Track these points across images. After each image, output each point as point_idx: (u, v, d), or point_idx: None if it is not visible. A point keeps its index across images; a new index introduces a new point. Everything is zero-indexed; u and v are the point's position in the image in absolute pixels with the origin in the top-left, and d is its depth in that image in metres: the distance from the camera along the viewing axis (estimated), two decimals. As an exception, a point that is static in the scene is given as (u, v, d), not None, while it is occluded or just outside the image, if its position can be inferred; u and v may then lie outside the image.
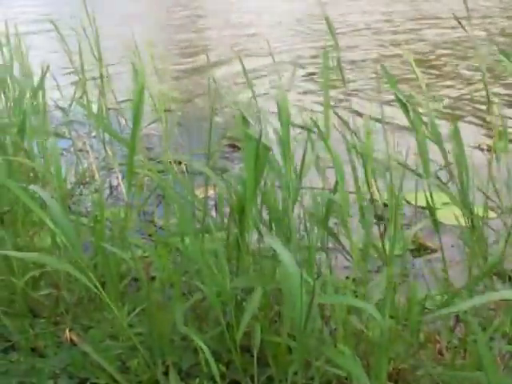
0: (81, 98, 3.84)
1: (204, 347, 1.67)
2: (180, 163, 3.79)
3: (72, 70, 3.97)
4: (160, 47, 4.71)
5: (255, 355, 1.75)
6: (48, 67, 3.30)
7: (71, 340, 2.00)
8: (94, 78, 4.07)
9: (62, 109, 3.87)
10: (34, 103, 3.25)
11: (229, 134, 3.84)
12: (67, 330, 2.02)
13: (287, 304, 1.63)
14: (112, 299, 2.04)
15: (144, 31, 7.97)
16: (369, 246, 1.84)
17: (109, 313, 2.16)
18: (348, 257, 2.57)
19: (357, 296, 1.89)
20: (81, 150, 3.68)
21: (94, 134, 3.97)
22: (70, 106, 3.81)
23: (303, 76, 6.13)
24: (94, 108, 3.74)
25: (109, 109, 3.73)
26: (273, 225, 1.98)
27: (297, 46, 7.60)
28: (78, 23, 3.81)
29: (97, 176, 3.31)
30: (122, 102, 3.86)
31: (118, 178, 3.31)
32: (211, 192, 2.47)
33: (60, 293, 2.15)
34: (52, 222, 1.72)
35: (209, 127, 3.53)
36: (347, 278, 2.33)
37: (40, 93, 3.41)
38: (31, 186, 1.83)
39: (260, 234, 1.92)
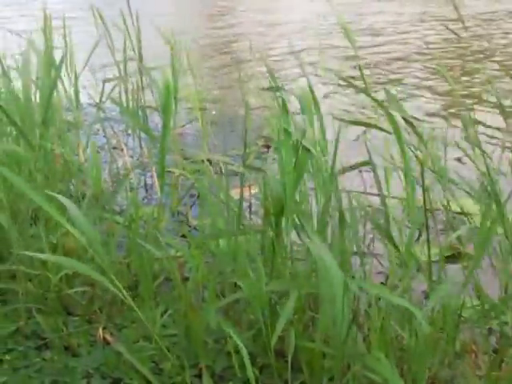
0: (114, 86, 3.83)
1: (243, 348, 1.65)
2: (214, 163, 3.78)
3: (108, 65, 3.98)
4: (193, 45, 4.72)
5: (289, 360, 1.73)
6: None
7: (104, 339, 2.00)
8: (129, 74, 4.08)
9: (97, 105, 3.89)
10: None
11: (264, 133, 3.84)
12: (100, 329, 2.02)
13: (325, 309, 1.61)
14: (146, 299, 2.04)
15: (177, 30, 7.96)
16: (409, 252, 1.81)
17: (142, 313, 2.16)
18: (382, 262, 2.56)
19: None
20: (115, 148, 3.68)
21: (129, 131, 3.97)
22: (104, 102, 3.82)
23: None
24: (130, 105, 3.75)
25: (146, 106, 3.72)
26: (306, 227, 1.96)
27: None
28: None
29: (131, 174, 3.32)
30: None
31: (153, 176, 3.31)
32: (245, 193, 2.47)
33: (94, 291, 2.15)
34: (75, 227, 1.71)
35: (242, 127, 3.52)
36: (382, 283, 2.30)
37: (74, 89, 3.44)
38: (51, 193, 1.81)
39: (299, 236, 1.90)
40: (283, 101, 1.89)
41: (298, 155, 1.84)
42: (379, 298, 1.76)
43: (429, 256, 1.82)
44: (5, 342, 1.99)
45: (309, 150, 1.86)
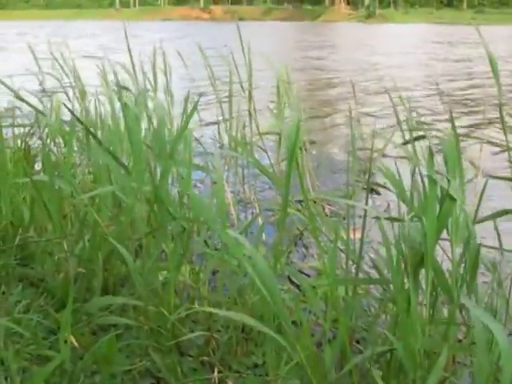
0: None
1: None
2: (316, 203, 3.69)
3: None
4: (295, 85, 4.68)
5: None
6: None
7: (220, 384, 1.91)
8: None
9: (197, 139, 3.85)
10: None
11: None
12: (216, 373, 1.93)
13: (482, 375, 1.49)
14: (266, 345, 1.95)
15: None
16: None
17: (257, 358, 2.07)
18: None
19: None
20: (215, 183, 3.62)
21: (227, 166, 3.91)
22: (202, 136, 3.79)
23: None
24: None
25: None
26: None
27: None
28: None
29: (232, 211, 3.24)
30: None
31: (254, 213, 3.24)
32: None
33: (211, 334, 2.05)
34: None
35: (343, 168, 3.40)
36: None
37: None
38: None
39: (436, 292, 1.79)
40: (430, 149, 1.78)
41: (443, 204, 1.74)
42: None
43: None
44: (122, 380, 1.91)
45: (454, 199, 1.75)
